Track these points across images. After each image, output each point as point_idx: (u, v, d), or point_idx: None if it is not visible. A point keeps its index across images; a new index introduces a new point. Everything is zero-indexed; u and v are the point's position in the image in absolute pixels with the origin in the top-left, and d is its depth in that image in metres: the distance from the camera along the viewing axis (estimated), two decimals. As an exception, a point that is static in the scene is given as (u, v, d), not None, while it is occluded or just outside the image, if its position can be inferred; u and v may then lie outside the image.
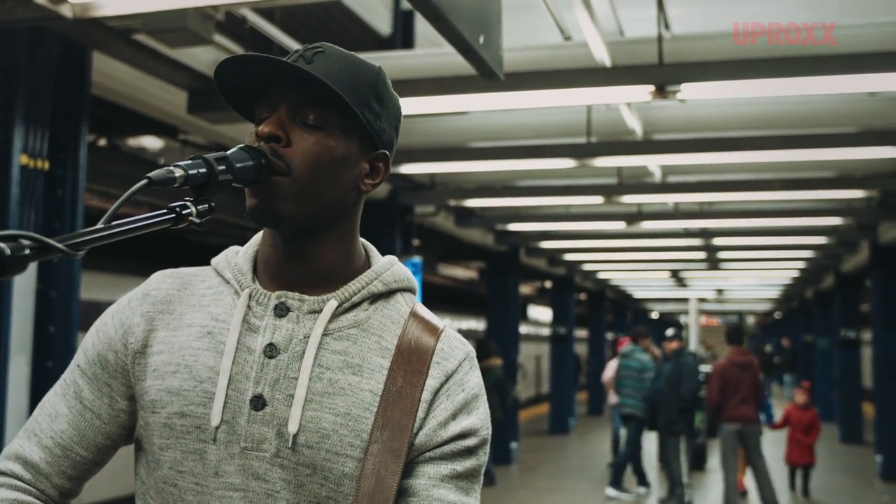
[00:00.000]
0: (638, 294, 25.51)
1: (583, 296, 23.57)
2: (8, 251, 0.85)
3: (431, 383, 1.25)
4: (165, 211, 1.10)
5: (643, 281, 21.13)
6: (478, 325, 20.20)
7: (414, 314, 1.32)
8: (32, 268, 4.55)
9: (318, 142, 1.23)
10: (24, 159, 4.40)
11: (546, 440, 16.89)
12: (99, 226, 1.00)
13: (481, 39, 2.41)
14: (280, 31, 5.89)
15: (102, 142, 6.72)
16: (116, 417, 1.31)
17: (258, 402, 1.21)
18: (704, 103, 6.59)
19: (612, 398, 11.74)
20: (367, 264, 1.36)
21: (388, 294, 1.33)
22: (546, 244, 13.62)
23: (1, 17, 3.76)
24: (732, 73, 4.62)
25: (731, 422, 8.55)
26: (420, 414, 1.23)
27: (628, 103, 5.93)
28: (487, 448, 1.29)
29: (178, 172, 1.09)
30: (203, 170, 1.13)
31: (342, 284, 1.30)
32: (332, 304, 1.26)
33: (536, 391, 24.01)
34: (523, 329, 24.13)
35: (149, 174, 1.06)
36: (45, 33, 4.38)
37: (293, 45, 6.04)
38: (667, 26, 5.21)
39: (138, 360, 1.29)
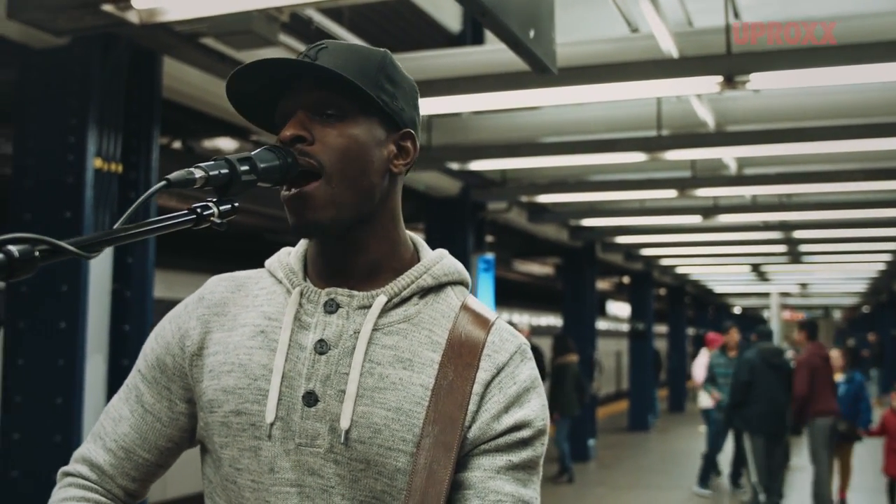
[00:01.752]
0: (719, 289, 25.07)
1: (662, 291, 23.28)
2: (16, 253, 0.87)
3: (482, 376, 1.24)
4: (186, 212, 1.11)
5: (723, 275, 20.76)
6: (556, 321, 20.12)
7: (465, 307, 1.31)
8: (108, 268, 4.67)
9: (341, 133, 1.24)
10: (98, 163, 4.52)
11: (625, 437, 16.73)
12: (116, 227, 1.01)
13: (531, 34, 2.38)
14: (348, 31, 5.93)
15: (177, 144, 6.86)
16: (176, 420, 1.34)
17: (310, 399, 1.22)
18: (779, 93, 6.42)
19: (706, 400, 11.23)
20: (416, 258, 1.35)
21: (438, 288, 1.32)
22: (622, 239, 13.48)
23: (71, 25, 3.87)
24: (803, 62, 4.50)
25: (823, 415, 8.20)
26: (472, 407, 1.22)
27: (698, 95, 5.82)
28: (545, 440, 1.26)
29: (199, 174, 1.10)
30: (225, 170, 1.14)
31: (392, 278, 1.30)
32: (381, 300, 1.26)
33: (617, 387, 23.81)
34: (602, 325, 23.95)
35: (168, 175, 1.08)
36: (115, 40, 4.49)
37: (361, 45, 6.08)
38: (736, 15, 5.10)
39: (195, 362, 1.32)
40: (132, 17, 3.84)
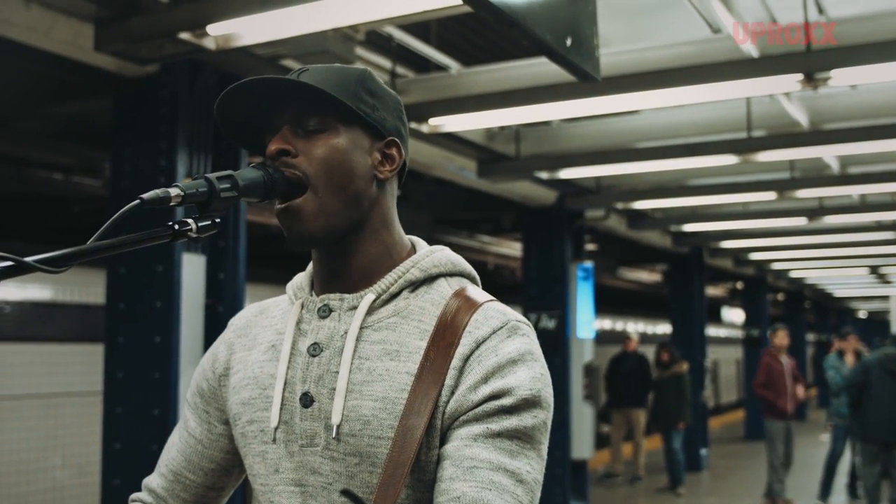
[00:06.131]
0: (839, 293, 24.17)
1: (780, 296, 22.61)
2: (-24, 270, 0.95)
3: (461, 350, 1.23)
4: (164, 228, 1.18)
5: (841, 278, 19.99)
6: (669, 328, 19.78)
7: (457, 294, 1.31)
8: (201, 284, 4.85)
9: (324, 143, 1.29)
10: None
11: (741, 447, 16.31)
12: (88, 243, 1.08)
13: (568, 42, 2.39)
14: (434, 48, 6.00)
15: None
16: (216, 442, 1.44)
17: (306, 399, 1.28)
18: (877, 88, 6.20)
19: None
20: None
21: (429, 280, 1.34)
22: (728, 244, 13.15)
23: (154, 54, 4.06)
24: (886, 56, 4.34)
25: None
26: (449, 381, 1.22)
27: (786, 94, 5.69)
28: (537, 411, 1.22)
29: (174, 192, 1.16)
30: (203, 189, 1.19)
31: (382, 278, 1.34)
32: (368, 298, 1.30)
33: (738, 396, 23.23)
34: (721, 332, 23.38)
35: (141, 195, 1.14)
36: (200, 66, 4.68)
37: (446, 60, 6.16)
38: (819, 10, 4.97)
39: (223, 382, 1.43)
40: (209, 43, 4.00)
